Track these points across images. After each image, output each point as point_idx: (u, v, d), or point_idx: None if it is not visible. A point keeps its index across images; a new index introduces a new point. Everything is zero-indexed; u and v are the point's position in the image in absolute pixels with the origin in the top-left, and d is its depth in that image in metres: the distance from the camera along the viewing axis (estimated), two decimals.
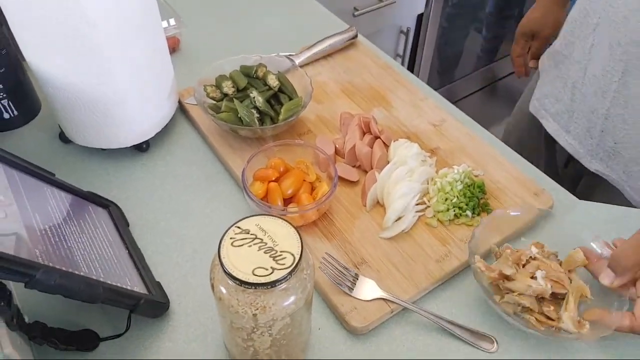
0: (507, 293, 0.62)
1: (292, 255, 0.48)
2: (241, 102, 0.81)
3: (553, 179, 0.81)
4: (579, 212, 0.76)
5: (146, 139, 0.81)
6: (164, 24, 0.99)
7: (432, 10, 1.89)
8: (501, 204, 0.75)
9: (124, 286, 0.59)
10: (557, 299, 0.63)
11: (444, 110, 0.89)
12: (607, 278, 0.61)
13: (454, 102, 0.95)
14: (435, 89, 0.97)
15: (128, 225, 0.72)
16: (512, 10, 2.20)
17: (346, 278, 0.65)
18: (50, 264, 0.52)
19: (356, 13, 1.71)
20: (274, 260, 0.48)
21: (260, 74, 0.85)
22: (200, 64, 0.89)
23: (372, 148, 0.78)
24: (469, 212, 0.72)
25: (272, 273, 0.47)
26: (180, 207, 0.76)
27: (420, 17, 1.92)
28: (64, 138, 0.83)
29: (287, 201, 0.72)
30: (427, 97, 0.91)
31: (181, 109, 0.89)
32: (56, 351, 0.58)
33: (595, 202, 0.77)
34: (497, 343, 0.62)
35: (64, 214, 0.63)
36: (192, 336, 0.63)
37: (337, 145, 0.81)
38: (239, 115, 0.79)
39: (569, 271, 0.64)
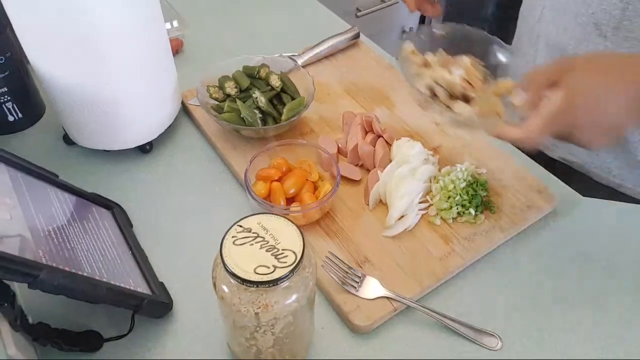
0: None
1: (294, 253, 0.48)
2: (244, 102, 0.81)
3: None
4: (583, 209, 0.76)
5: (149, 140, 0.81)
6: (167, 25, 0.99)
7: None
8: (504, 201, 0.74)
9: (127, 287, 0.59)
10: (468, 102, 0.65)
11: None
12: (518, 97, 0.62)
13: None
14: None
15: (132, 226, 0.73)
16: (515, 10, 2.19)
17: (349, 277, 0.65)
18: (54, 265, 0.53)
19: (359, 14, 1.71)
20: (275, 258, 0.48)
21: (262, 74, 0.85)
22: (202, 65, 0.90)
23: (374, 147, 0.78)
24: (472, 210, 0.72)
25: (274, 271, 0.47)
26: (184, 208, 0.76)
27: (423, 18, 1.92)
28: (67, 140, 0.83)
29: (289, 200, 0.72)
30: None
31: (184, 110, 0.90)
32: (60, 352, 0.58)
33: (599, 199, 0.77)
34: (501, 341, 0.62)
35: (68, 215, 0.64)
36: (196, 336, 0.63)
37: (339, 145, 0.81)
38: (241, 116, 0.79)
39: (496, 95, 0.67)
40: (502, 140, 0.61)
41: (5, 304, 0.53)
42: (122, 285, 0.59)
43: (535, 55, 0.88)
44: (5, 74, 0.81)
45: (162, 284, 0.66)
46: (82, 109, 0.75)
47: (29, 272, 0.50)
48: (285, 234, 0.49)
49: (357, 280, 0.65)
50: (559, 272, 0.69)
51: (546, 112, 0.57)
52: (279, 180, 0.73)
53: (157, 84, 0.79)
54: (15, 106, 0.84)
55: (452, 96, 0.66)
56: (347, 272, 0.66)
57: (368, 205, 0.74)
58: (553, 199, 0.75)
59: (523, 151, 0.84)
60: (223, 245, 0.48)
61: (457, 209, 0.72)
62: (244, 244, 0.49)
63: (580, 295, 0.67)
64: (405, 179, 0.73)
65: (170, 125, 0.84)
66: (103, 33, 0.68)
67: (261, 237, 0.49)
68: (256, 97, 0.81)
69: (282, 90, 0.84)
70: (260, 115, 0.81)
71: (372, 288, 0.65)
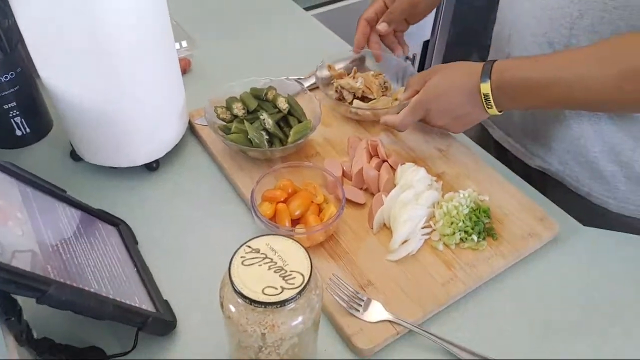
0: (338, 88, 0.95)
1: (302, 275, 0.49)
2: (251, 123, 0.82)
3: None
4: (583, 238, 0.77)
5: (156, 158, 0.82)
6: (177, 45, 1.01)
7: (437, 37, 1.92)
8: (506, 228, 0.75)
9: (133, 304, 0.60)
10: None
11: (450, 136, 0.90)
12: (402, 94, 0.87)
13: None
14: None
15: (137, 243, 0.73)
16: None
17: (353, 299, 0.66)
18: (62, 280, 0.53)
19: None
20: (283, 279, 0.48)
21: (270, 96, 0.86)
22: (211, 86, 0.91)
23: (379, 171, 0.79)
24: (474, 237, 0.72)
25: (281, 292, 0.47)
26: (189, 226, 0.77)
27: (426, 44, 1.95)
28: (75, 156, 0.84)
29: (294, 222, 0.73)
30: None
31: (191, 129, 0.91)
32: None
33: (599, 229, 0.78)
34: None
35: (75, 231, 0.64)
36: (199, 354, 0.63)
37: (344, 168, 0.82)
38: (248, 137, 0.81)
39: (396, 99, 0.92)
40: (387, 125, 0.86)
41: (12, 318, 0.53)
42: (127, 302, 0.59)
43: None
44: (15, 88, 0.82)
45: (166, 301, 0.66)
46: (90, 125, 0.76)
47: (38, 287, 0.50)
48: (293, 255, 0.50)
49: (361, 304, 0.65)
50: (559, 300, 0.70)
51: (411, 103, 0.81)
52: (284, 201, 0.74)
53: (165, 103, 0.80)
54: (23, 121, 0.85)
55: (356, 97, 0.94)
56: (350, 295, 0.66)
57: (372, 229, 0.75)
58: (554, 227, 0.76)
59: (522, 176, 0.86)
60: (232, 265, 0.49)
61: (460, 234, 0.73)
62: (252, 264, 0.49)
63: (581, 323, 0.67)
64: (409, 204, 0.74)
65: (177, 144, 0.85)
66: (114, 51, 0.69)
67: (269, 258, 0.50)
68: (263, 119, 0.82)
69: (289, 112, 0.86)
70: (267, 137, 0.82)
71: (375, 311, 0.65)
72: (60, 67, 0.70)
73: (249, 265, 0.49)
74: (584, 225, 0.79)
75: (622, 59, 0.66)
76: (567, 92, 0.70)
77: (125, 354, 0.60)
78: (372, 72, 0.98)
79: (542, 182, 0.89)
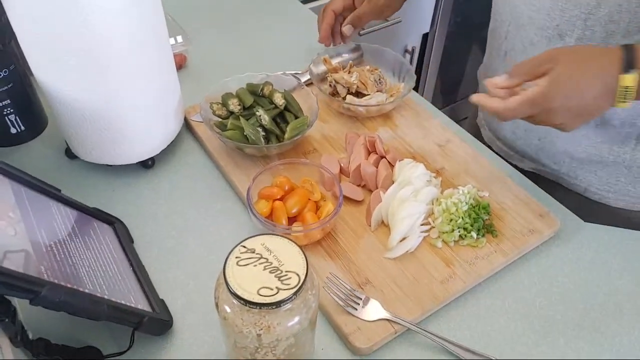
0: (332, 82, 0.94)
1: (298, 275, 0.48)
2: (247, 120, 0.81)
3: None
4: (584, 234, 0.76)
5: (152, 155, 0.82)
6: (172, 41, 0.99)
7: (437, 29, 1.91)
8: (506, 225, 0.75)
9: (128, 303, 0.59)
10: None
11: (449, 131, 0.89)
12: (498, 78, 0.69)
13: (458, 121, 0.95)
14: (440, 108, 0.97)
15: (132, 241, 0.73)
16: None
17: (350, 298, 0.65)
18: (56, 281, 0.52)
19: (362, 32, 1.72)
20: (279, 280, 0.47)
21: (266, 92, 0.85)
22: (206, 82, 0.90)
23: (377, 168, 0.79)
24: (474, 234, 0.72)
25: (277, 293, 0.47)
26: (185, 224, 0.76)
27: (425, 37, 1.93)
28: (70, 154, 0.83)
29: (291, 220, 0.72)
30: (433, 117, 0.92)
31: (187, 126, 0.90)
32: None
33: (600, 225, 0.77)
34: None
35: (69, 230, 0.63)
36: (195, 354, 0.63)
37: (342, 165, 0.81)
38: (244, 133, 0.80)
39: (392, 95, 0.92)
40: (485, 109, 0.69)
41: (6, 320, 0.52)
42: (123, 302, 0.58)
43: (505, 70, 0.89)
44: (9, 86, 0.81)
45: (162, 301, 0.66)
46: (85, 123, 0.75)
47: (30, 289, 0.49)
48: (288, 255, 0.49)
49: (358, 302, 0.65)
50: (560, 297, 0.69)
51: (528, 94, 0.65)
52: (281, 199, 0.73)
53: (160, 100, 0.79)
54: (18, 118, 0.85)
55: (350, 92, 0.92)
56: (348, 294, 0.65)
57: (370, 226, 0.74)
58: (555, 223, 0.75)
59: (525, 174, 0.85)
60: (226, 265, 0.48)
61: (459, 232, 0.72)
62: (247, 264, 0.49)
63: (581, 320, 0.67)
64: (408, 200, 0.73)
65: (172, 141, 0.84)
66: (108, 48, 0.68)
67: (265, 258, 0.49)
68: (260, 115, 0.81)
69: (286, 108, 0.85)
70: (264, 134, 0.81)
71: (373, 310, 0.64)
72: (53, 65, 0.69)
73: (244, 265, 0.48)
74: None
75: None
76: None
77: (121, 353, 0.60)
78: (367, 67, 0.96)
79: (535, 182, 0.86)
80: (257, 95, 0.86)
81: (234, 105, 0.83)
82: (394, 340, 0.64)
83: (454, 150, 0.86)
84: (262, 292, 0.47)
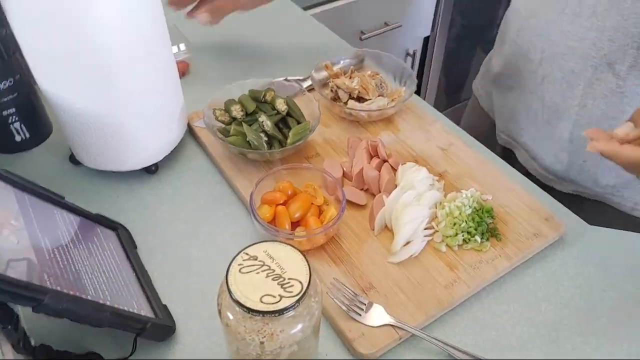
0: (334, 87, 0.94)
1: (300, 283, 0.48)
2: (250, 125, 0.81)
3: None
4: (590, 238, 0.76)
5: (155, 161, 0.82)
6: (174, 49, 1.00)
7: (438, 33, 1.91)
8: (510, 228, 0.74)
9: (131, 309, 0.59)
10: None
11: (452, 134, 0.89)
12: (622, 128, 0.61)
13: (460, 124, 0.95)
14: (441, 111, 0.97)
15: (136, 247, 0.73)
16: None
17: (354, 303, 0.65)
18: (59, 288, 0.52)
19: (363, 37, 1.73)
20: (282, 287, 0.47)
21: (268, 98, 0.85)
22: (209, 88, 0.90)
23: (379, 172, 0.78)
24: (477, 237, 0.71)
25: (280, 301, 0.46)
26: (188, 230, 0.76)
27: (426, 40, 1.93)
28: (74, 160, 0.83)
29: (294, 224, 0.72)
30: (435, 121, 0.92)
31: (190, 132, 0.90)
32: None
33: (606, 228, 0.77)
34: None
35: (73, 237, 0.64)
36: None
37: (344, 169, 0.81)
38: (247, 139, 0.80)
39: (393, 99, 0.92)
40: (602, 155, 0.61)
41: (9, 327, 0.52)
42: (126, 308, 0.58)
43: (543, 95, 0.90)
44: (14, 95, 0.81)
45: (165, 306, 0.66)
46: (89, 130, 0.75)
47: (33, 297, 0.49)
48: (291, 262, 0.49)
49: (362, 307, 0.65)
50: (566, 301, 0.69)
51: None
52: (284, 204, 0.73)
53: (164, 106, 0.79)
54: (23, 126, 0.85)
55: (352, 97, 0.93)
56: (352, 299, 0.65)
57: (373, 230, 0.74)
58: (560, 227, 0.74)
59: (530, 178, 0.85)
60: (229, 273, 0.48)
61: (463, 235, 0.72)
62: (250, 272, 0.48)
63: (588, 325, 0.66)
64: (411, 205, 0.73)
65: (176, 147, 0.84)
66: (111, 57, 0.68)
67: (267, 265, 0.49)
68: (262, 121, 0.82)
69: (288, 114, 0.85)
70: (266, 139, 0.81)
71: (377, 315, 0.64)
72: (56, 74, 0.70)
73: (246, 272, 0.48)
74: (589, 224, 0.78)
75: None
76: None
77: (124, 359, 0.60)
78: (369, 72, 0.97)
79: (574, 202, 0.85)
80: (260, 101, 0.86)
81: (236, 111, 0.83)
82: (398, 346, 0.64)
83: (456, 153, 0.85)
84: (265, 299, 0.46)
